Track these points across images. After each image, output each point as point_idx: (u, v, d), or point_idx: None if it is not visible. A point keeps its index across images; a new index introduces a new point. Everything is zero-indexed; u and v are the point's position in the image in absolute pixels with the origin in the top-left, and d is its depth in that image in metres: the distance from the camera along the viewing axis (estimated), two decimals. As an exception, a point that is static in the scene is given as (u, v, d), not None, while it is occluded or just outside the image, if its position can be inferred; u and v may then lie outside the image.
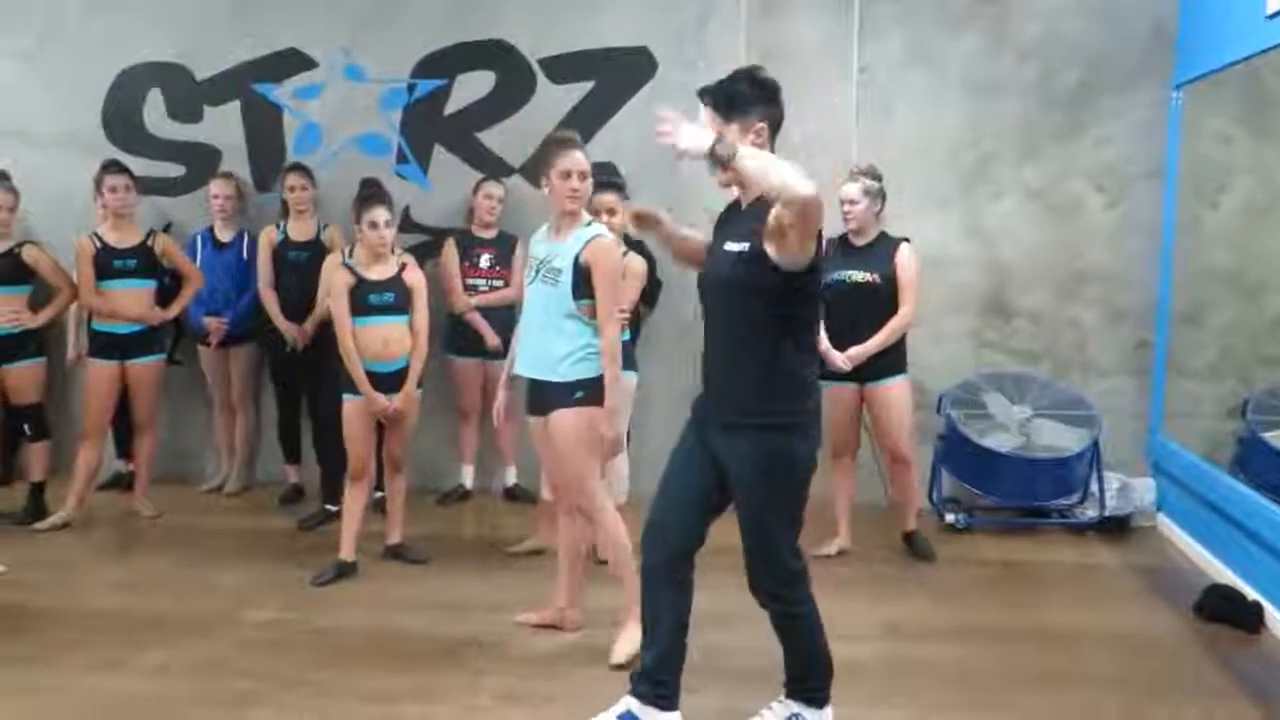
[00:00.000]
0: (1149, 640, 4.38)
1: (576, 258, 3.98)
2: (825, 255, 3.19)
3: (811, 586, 3.32)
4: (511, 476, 6.31)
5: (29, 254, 5.74)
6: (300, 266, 5.97)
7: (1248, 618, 4.50)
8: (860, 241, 5.27)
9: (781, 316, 3.10)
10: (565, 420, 4.02)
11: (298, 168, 6.14)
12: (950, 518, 5.82)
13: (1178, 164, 5.77)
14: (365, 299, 4.89)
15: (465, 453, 6.36)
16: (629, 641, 3.97)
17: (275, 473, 6.47)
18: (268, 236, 6.10)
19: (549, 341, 4.02)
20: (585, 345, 4.01)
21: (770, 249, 3.01)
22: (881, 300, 5.19)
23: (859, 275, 5.20)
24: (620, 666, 3.92)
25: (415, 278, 5.02)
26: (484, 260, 6.10)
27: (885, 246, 5.25)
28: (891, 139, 6.05)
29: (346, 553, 4.97)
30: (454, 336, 6.15)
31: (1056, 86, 6.04)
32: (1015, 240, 6.13)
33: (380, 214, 4.87)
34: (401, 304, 4.95)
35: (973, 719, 3.70)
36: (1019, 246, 6.13)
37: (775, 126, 3.22)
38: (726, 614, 3.90)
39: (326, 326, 5.29)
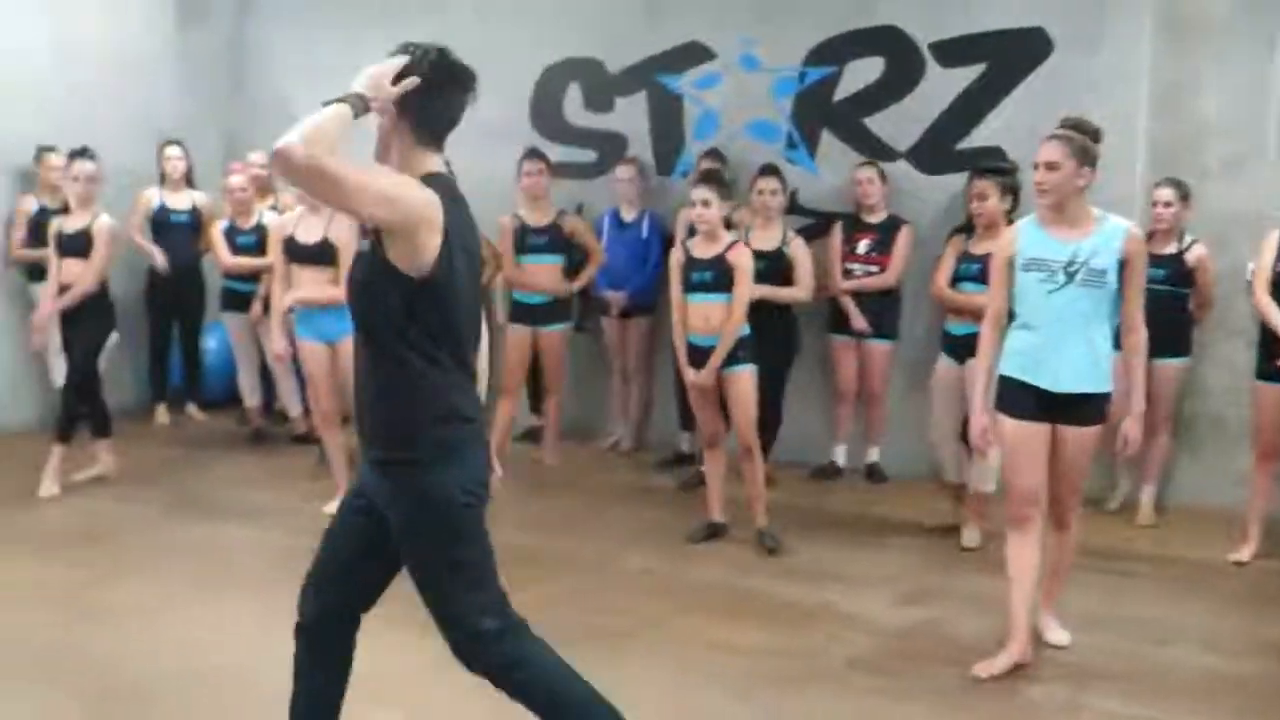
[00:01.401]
0: None
1: (1118, 255, 3.73)
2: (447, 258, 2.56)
3: (526, 638, 2.76)
4: (874, 454, 6.41)
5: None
6: None
7: None
8: None
9: (407, 327, 2.56)
10: (1095, 434, 3.84)
11: (713, 153, 6.56)
12: (1369, 537, 5.25)
13: None
14: (689, 276, 5.11)
15: (839, 431, 6.52)
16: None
17: (666, 435, 6.93)
18: (686, 217, 6.44)
19: (1096, 347, 3.76)
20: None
21: (388, 246, 2.52)
22: None
23: None
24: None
25: (737, 257, 5.02)
26: (862, 246, 6.24)
27: None
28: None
29: (715, 514, 5.31)
30: (832, 316, 6.35)
31: None
32: None
33: (700, 193, 5.00)
34: (719, 282, 5.01)
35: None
36: None
37: (437, 120, 2.61)
38: (1088, 615, 3.87)
39: None
